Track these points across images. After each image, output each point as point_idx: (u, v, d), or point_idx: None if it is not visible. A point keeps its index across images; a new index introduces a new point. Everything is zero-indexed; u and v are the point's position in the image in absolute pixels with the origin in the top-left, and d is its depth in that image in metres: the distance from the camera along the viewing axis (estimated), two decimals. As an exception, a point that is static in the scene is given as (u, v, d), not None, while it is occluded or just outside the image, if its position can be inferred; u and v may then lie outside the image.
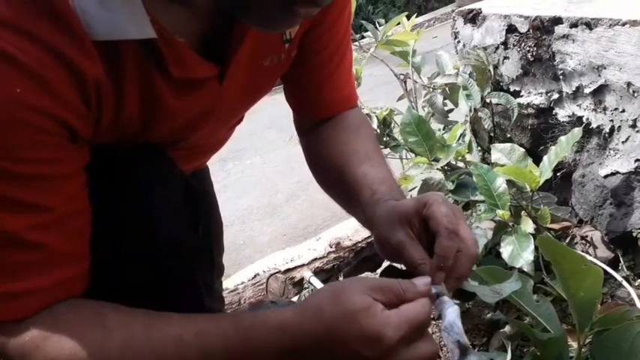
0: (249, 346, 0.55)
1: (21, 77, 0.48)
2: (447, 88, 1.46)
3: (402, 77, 1.60)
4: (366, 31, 1.53)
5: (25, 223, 0.52)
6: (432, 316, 0.57)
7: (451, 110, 1.52)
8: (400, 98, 1.66)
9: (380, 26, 1.52)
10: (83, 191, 0.58)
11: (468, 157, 1.33)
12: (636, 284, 1.08)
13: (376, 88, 2.68)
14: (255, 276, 1.59)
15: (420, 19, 5.18)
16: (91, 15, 0.50)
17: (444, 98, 1.50)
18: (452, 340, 0.56)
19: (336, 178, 0.80)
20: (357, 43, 1.59)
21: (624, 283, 1.05)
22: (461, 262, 0.61)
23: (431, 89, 1.49)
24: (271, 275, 1.50)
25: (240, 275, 1.69)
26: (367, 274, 1.42)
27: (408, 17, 1.60)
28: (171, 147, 0.70)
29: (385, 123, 1.41)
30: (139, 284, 0.65)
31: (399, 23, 1.56)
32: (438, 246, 0.60)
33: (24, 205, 0.52)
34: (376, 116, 1.40)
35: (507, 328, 1.10)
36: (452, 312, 0.57)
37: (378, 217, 0.68)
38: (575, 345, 0.79)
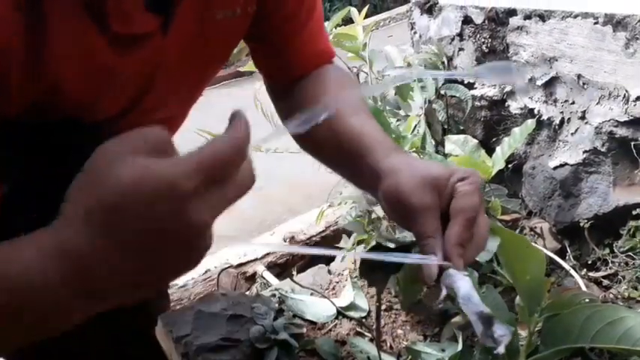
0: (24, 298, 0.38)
1: None
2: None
3: (355, 70, 1.58)
4: None
5: None
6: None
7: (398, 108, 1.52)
8: (355, 91, 1.64)
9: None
10: None
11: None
12: (582, 273, 1.11)
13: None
14: (205, 272, 1.54)
15: (376, 17, 5.22)
16: None
17: (395, 93, 1.50)
18: (472, 311, 0.52)
19: (325, 131, 0.70)
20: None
21: (572, 271, 1.06)
22: (469, 250, 0.56)
23: (382, 82, 1.48)
24: (223, 270, 1.45)
25: (191, 271, 1.63)
26: (321, 265, 1.39)
27: (365, 15, 1.58)
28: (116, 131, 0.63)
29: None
30: None
31: (346, 18, 1.54)
32: (452, 231, 0.55)
33: None
34: (331, 105, 1.37)
35: (458, 319, 1.10)
36: (464, 284, 0.53)
37: (398, 166, 0.60)
38: (525, 334, 0.79)
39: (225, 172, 0.41)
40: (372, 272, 0.66)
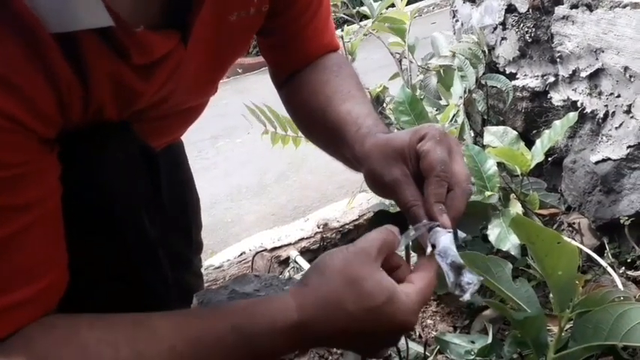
0: (253, 353, 0.53)
1: None
2: (441, 71, 1.44)
3: (397, 56, 1.57)
4: (362, 5, 1.49)
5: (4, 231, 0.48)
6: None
7: (439, 98, 1.50)
8: (393, 77, 1.64)
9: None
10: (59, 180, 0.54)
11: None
12: (620, 272, 1.08)
13: (372, 72, 2.65)
14: (241, 254, 1.58)
15: (420, 4, 5.13)
16: (44, 7, 0.47)
17: (437, 81, 1.48)
18: (446, 262, 0.55)
19: (318, 120, 0.75)
20: (356, 25, 1.56)
21: (609, 269, 1.04)
22: (454, 200, 0.58)
23: (425, 70, 1.47)
24: (257, 253, 1.49)
25: (227, 253, 1.67)
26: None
27: (408, 1, 1.57)
28: (137, 120, 0.65)
29: (378, 100, 1.39)
30: (93, 251, 0.60)
31: (392, 4, 1.53)
32: (427, 191, 0.58)
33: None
34: (369, 92, 1.38)
35: (489, 311, 1.09)
36: (445, 239, 0.56)
37: (368, 152, 0.63)
38: (556, 329, 0.78)
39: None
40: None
